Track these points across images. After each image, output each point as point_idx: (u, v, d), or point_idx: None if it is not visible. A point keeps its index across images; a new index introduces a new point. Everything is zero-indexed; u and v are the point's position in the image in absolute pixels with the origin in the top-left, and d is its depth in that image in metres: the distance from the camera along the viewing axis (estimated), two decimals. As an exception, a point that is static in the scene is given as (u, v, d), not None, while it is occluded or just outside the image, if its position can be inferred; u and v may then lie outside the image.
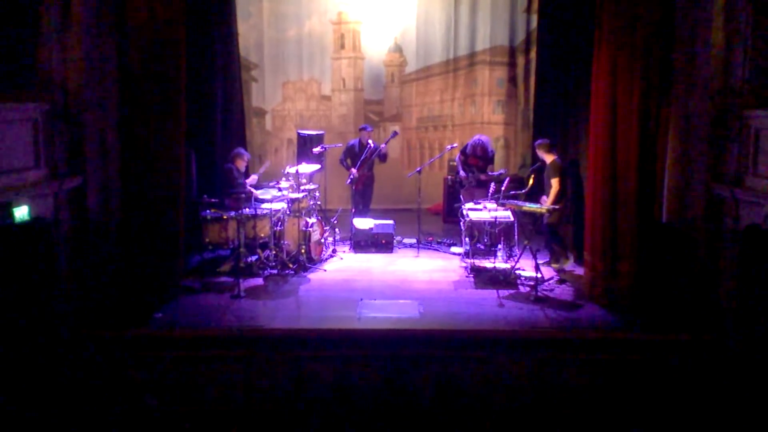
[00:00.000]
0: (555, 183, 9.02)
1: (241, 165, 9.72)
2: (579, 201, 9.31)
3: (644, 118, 7.86)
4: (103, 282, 7.79)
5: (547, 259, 9.48)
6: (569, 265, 9.34)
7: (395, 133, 11.25)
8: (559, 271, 9.23)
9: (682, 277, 7.86)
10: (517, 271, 8.96)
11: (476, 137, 10.53)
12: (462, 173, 10.33)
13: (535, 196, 9.27)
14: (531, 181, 9.23)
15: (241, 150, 9.92)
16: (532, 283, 8.49)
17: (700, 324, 7.50)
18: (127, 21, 7.83)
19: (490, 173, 10.06)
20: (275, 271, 9.11)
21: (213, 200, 9.26)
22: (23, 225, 6.80)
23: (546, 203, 9.05)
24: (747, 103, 7.26)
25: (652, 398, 7.25)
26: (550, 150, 9.22)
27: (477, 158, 10.27)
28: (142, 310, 7.68)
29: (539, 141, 9.42)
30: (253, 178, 9.89)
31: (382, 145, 10.68)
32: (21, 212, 6.69)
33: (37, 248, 7.19)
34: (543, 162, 9.27)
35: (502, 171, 10.12)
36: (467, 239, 9.49)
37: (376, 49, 12.87)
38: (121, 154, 7.98)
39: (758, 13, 7.24)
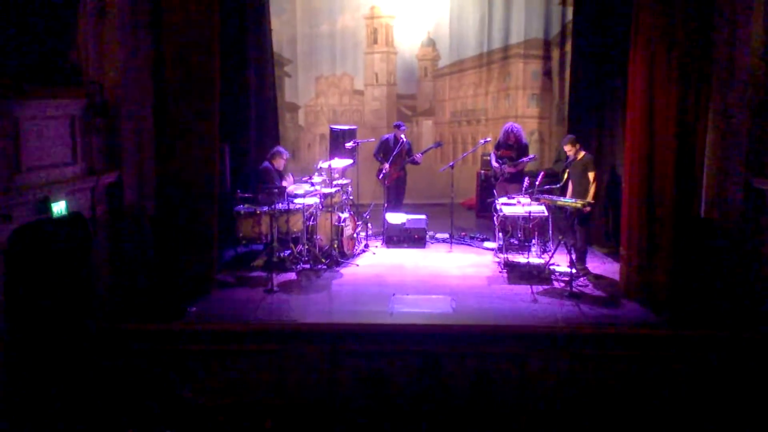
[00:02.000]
0: (593, 177, 8.83)
1: (280, 164, 9.71)
2: (616, 195, 9.18)
3: (682, 110, 7.72)
4: (139, 276, 7.88)
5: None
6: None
7: (439, 144, 11.26)
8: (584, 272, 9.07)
9: (721, 273, 7.70)
10: (551, 267, 8.87)
11: (507, 125, 10.21)
12: (494, 164, 10.16)
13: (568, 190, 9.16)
14: (566, 176, 9.12)
15: (280, 149, 9.90)
16: (566, 278, 8.39)
17: (739, 320, 7.35)
18: (162, 17, 7.90)
19: (520, 160, 9.85)
20: (308, 266, 9.14)
21: (246, 195, 9.32)
22: (61, 220, 6.89)
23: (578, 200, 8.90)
24: (789, 95, 7.09)
25: (689, 395, 7.13)
26: (580, 145, 9.02)
27: (510, 148, 10.03)
28: (176, 303, 7.75)
29: (567, 138, 9.13)
30: (290, 180, 9.88)
31: (418, 155, 10.73)
32: (59, 207, 6.78)
33: (74, 243, 7.30)
34: (570, 157, 9.11)
35: (531, 156, 9.88)
36: (500, 234, 9.41)
37: (408, 44, 12.84)
38: (157, 150, 8.06)
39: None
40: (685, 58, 7.65)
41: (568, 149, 8.98)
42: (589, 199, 8.77)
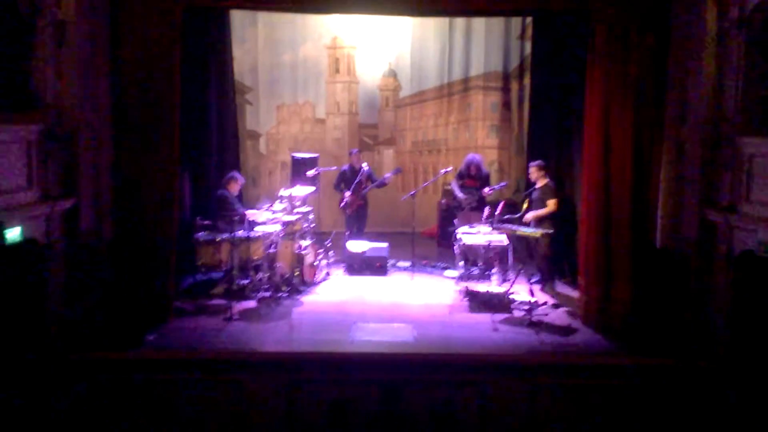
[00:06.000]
0: (552, 204, 9.07)
1: (235, 189, 9.67)
2: (572, 225, 9.34)
3: (637, 144, 7.91)
4: (95, 304, 7.72)
5: (541, 283, 9.49)
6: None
7: (398, 170, 11.32)
8: (554, 295, 9.24)
9: (677, 303, 7.84)
10: (511, 296, 8.93)
11: (468, 156, 10.50)
12: (461, 195, 10.28)
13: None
14: (525, 206, 9.26)
15: (236, 174, 9.88)
16: (526, 307, 8.46)
17: (694, 350, 7.48)
18: (121, 43, 7.86)
19: (491, 188, 10.01)
20: (268, 294, 9.04)
21: (206, 222, 9.23)
22: (14, 246, 6.74)
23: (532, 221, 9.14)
24: (739, 130, 7.30)
25: (646, 425, 7.20)
26: (546, 172, 9.26)
27: (472, 178, 10.23)
28: (133, 332, 7.60)
29: (536, 162, 9.44)
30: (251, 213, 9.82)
31: (387, 175, 10.79)
32: (13, 234, 6.64)
33: (28, 270, 7.13)
34: (533, 183, 9.30)
35: (503, 183, 10.11)
36: (461, 263, 9.47)
37: (370, 74, 12.93)
38: (114, 176, 7.96)
39: (749, 41, 7.32)
40: (640, 93, 7.87)
41: (532, 172, 9.23)
42: (540, 217, 8.98)
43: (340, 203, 10.66)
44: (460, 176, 10.40)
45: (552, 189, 9.19)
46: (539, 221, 9.14)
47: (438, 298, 9.25)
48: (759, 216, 6.96)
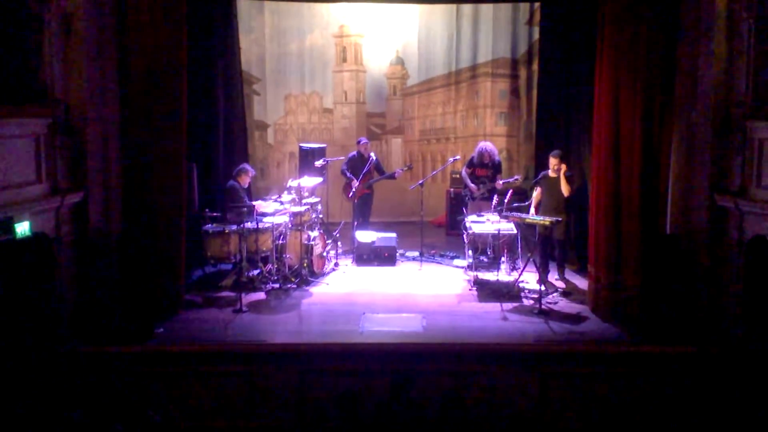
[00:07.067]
0: (567, 191, 8.94)
1: (245, 181, 9.67)
2: (582, 212, 9.28)
3: (647, 129, 7.84)
4: (104, 297, 7.75)
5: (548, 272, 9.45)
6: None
7: (409, 167, 11.33)
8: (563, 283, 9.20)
9: (688, 289, 7.79)
10: (520, 284, 8.91)
11: (480, 145, 10.26)
12: (472, 186, 10.19)
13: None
14: (534, 193, 9.20)
15: (246, 166, 9.87)
16: (535, 295, 8.44)
17: (706, 336, 7.44)
18: (129, 35, 7.84)
19: (505, 180, 9.82)
20: (277, 285, 9.07)
21: (215, 214, 9.24)
22: (24, 240, 6.77)
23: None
24: (750, 114, 7.22)
25: (658, 412, 7.18)
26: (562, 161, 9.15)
27: (485, 167, 10.09)
28: (143, 325, 7.61)
29: (556, 152, 9.19)
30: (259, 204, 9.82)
31: (398, 170, 10.81)
32: (22, 228, 6.66)
33: (38, 264, 7.16)
34: (547, 172, 9.19)
35: (516, 177, 9.96)
36: (470, 252, 9.44)
37: (377, 62, 12.89)
38: (123, 169, 7.97)
39: (760, 24, 7.22)
40: (650, 78, 7.78)
41: (553, 162, 9.00)
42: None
43: (347, 191, 10.63)
44: (470, 165, 10.28)
45: (570, 177, 9.03)
46: (555, 209, 9.02)
47: (447, 287, 9.23)
48: (770, 201, 6.90)
